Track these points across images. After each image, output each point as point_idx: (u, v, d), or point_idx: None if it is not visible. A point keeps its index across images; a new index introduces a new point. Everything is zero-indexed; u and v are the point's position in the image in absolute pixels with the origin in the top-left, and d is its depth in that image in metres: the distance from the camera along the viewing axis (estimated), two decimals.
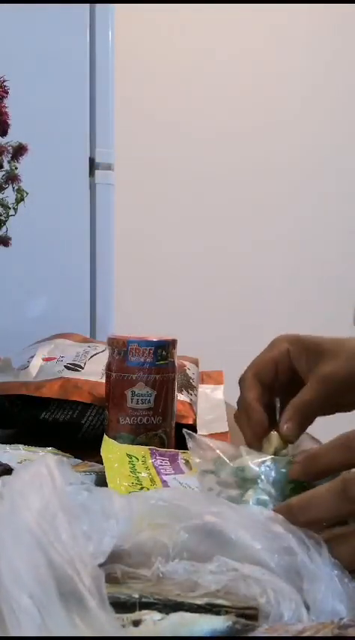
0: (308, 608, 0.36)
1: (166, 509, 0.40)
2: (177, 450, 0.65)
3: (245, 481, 0.50)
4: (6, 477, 0.37)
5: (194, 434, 0.53)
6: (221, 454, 0.52)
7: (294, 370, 0.61)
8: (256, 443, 0.58)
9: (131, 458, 0.60)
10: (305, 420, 0.58)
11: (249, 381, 0.61)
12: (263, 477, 0.50)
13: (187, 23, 2.36)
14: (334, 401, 0.59)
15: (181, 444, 0.73)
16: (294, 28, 2.49)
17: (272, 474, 0.50)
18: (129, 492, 0.53)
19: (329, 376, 0.58)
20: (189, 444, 0.52)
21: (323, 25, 2.52)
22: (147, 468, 0.59)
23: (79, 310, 1.50)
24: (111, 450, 0.61)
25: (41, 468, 0.37)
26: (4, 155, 0.88)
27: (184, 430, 0.53)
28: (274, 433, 0.58)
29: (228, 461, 0.51)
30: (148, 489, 0.54)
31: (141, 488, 0.54)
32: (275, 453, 0.56)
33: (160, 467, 0.59)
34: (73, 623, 0.30)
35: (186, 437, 0.53)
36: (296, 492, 0.47)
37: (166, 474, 0.58)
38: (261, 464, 0.51)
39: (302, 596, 0.36)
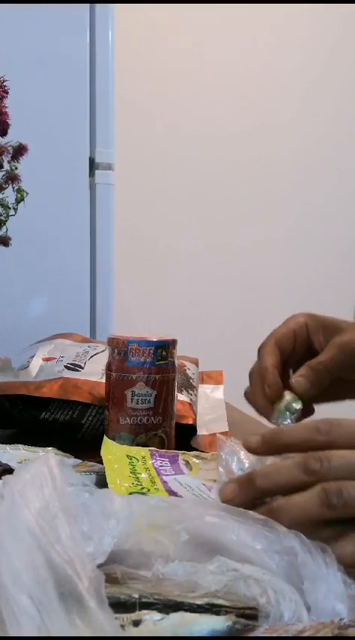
0: (308, 608, 0.36)
1: (166, 510, 0.40)
2: (177, 451, 0.65)
3: None
4: (7, 477, 0.37)
5: (227, 441, 0.54)
6: (247, 463, 0.52)
7: (310, 344, 0.63)
8: (268, 405, 0.59)
9: (131, 459, 0.60)
10: (317, 379, 0.60)
11: (270, 347, 0.62)
12: None
13: (187, 23, 2.36)
14: (347, 369, 0.60)
15: (181, 444, 0.73)
16: (294, 28, 2.49)
17: None
18: (130, 493, 0.53)
19: (347, 343, 0.59)
20: (221, 452, 0.53)
21: (324, 25, 2.52)
22: (147, 468, 0.58)
23: (79, 310, 1.51)
24: (111, 450, 0.61)
25: (42, 467, 0.37)
26: (4, 155, 0.88)
27: (218, 435, 0.54)
28: (286, 390, 0.59)
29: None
30: (149, 490, 0.54)
31: (142, 489, 0.54)
32: (287, 407, 0.57)
33: (160, 468, 0.59)
34: (73, 623, 0.30)
35: (219, 443, 0.53)
36: None
37: (166, 475, 0.58)
38: None
39: (303, 596, 0.36)
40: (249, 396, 0.64)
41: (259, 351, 0.64)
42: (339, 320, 0.64)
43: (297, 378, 0.60)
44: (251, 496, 0.44)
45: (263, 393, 0.61)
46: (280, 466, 0.45)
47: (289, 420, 0.58)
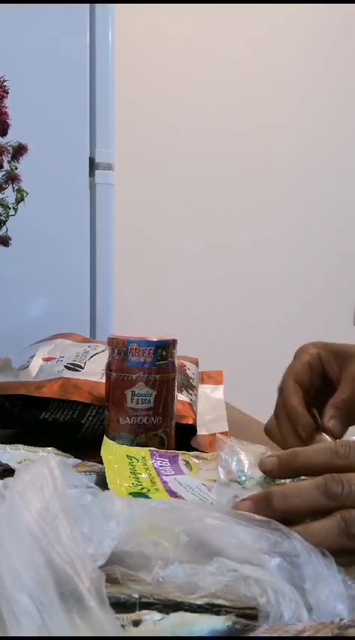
0: (310, 609, 0.36)
1: (166, 512, 0.40)
2: (177, 451, 0.66)
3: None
4: (8, 479, 0.37)
5: (227, 441, 0.53)
6: (247, 464, 0.52)
7: (325, 374, 0.63)
8: (303, 445, 0.59)
9: (131, 459, 0.60)
10: (346, 417, 0.60)
11: (291, 386, 0.63)
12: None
13: (187, 23, 2.36)
14: None
15: (181, 444, 0.73)
16: (294, 28, 2.49)
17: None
18: (130, 493, 0.53)
19: None
20: (221, 452, 0.53)
21: (324, 25, 2.52)
22: (147, 469, 0.59)
23: (79, 310, 1.51)
24: (111, 451, 0.61)
25: (42, 468, 0.37)
26: (4, 155, 0.88)
27: (218, 435, 0.54)
28: (323, 434, 0.60)
29: (258, 473, 0.50)
30: (149, 490, 0.54)
31: (142, 489, 0.54)
32: None
33: (160, 468, 0.59)
34: (73, 623, 0.30)
35: (219, 443, 0.53)
36: None
37: (166, 475, 0.58)
38: None
39: (304, 596, 0.36)
40: (274, 435, 0.64)
41: (280, 389, 0.64)
42: (348, 346, 0.64)
43: (330, 422, 0.60)
44: (266, 516, 0.42)
45: (295, 434, 0.61)
46: (299, 487, 0.44)
47: None
